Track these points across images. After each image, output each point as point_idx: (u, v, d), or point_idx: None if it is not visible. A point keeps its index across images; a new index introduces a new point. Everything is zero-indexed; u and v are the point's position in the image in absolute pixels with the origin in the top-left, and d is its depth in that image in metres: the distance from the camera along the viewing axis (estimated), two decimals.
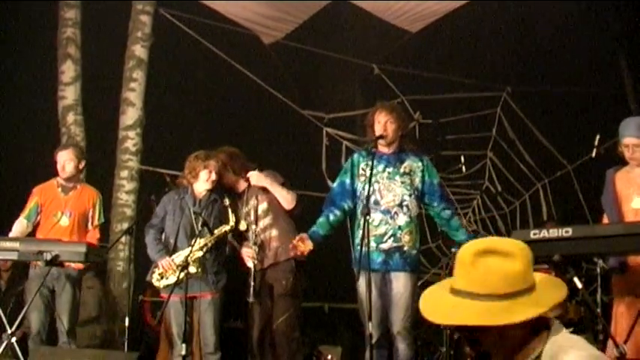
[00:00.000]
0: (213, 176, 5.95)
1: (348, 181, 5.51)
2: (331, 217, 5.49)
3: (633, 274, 4.96)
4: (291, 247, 5.45)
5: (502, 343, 2.20)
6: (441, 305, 2.24)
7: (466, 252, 2.23)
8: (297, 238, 5.42)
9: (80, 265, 6.31)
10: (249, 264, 5.81)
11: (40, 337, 6.19)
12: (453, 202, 5.61)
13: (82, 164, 6.62)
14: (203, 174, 5.94)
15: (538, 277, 2.29)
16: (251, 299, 5.77)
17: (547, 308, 2.17)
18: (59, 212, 6.45)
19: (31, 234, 6.43)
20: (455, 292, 2.23)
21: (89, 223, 6.56)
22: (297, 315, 5.86)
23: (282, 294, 5.82)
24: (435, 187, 5.45)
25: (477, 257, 2.20)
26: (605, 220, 5.17)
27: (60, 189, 6.52)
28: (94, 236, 6.52)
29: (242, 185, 6.10)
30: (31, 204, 6.50)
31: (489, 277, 2.17)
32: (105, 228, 8.61)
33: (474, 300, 2.18)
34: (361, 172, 5.45)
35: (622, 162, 5.20)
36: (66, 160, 6.48)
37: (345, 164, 5.68)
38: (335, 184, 5.64)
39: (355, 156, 5.61)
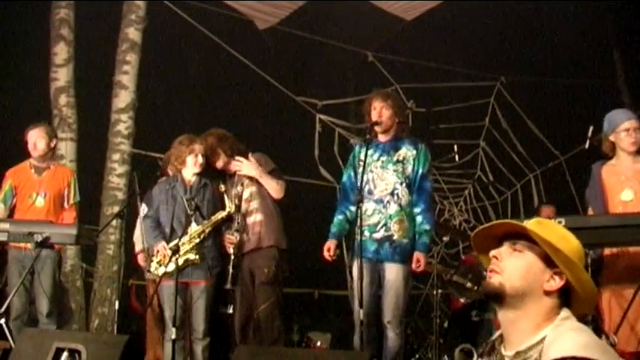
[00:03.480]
0: (200, 159, 5.90)
1: (352, 173, 5.53)
2: (348, 214, 5.49)
3: (620, 264, 4.98)
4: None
5: (526, 277, 2.33)
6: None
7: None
8: (327, 250, 5.41)
9: (59, 246, 6.27)
10: (230, 250, 5.80)
11: (22, 320, 6.13)
12: (429, 198, 5.56)
13: (54, 142, 6.55)
14: (189, 159, 5.88)
15: None
16: (229, 286, 5.76)
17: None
18: (34, 193, 6.38)
19: (9, 217, 6.35)
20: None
21: (65, 202, 6.49)
22: (279, 303, 5.82)
23: (263, 282, 5.80)
24: (417, 177, 5.43)
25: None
26: (591, 212, 5.16)
27: (33, 170, 6.46)
28: (70, 215, 6.45)
29: (233, 167, 6.05)
30: (5, 187, 6.44)
31: (569, 237, 2.37)
32: (96, 211, 8.62)
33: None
34: (359, 162, 5.45)
35: (607, 157, 5.18)
36: (37, 138, 6.41)
37: (349, 157, 5.69)
38: (344, 179, 5.65)
39: (357, 148, 5.62)
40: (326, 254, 5.44)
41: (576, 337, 2.20)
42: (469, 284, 6.79)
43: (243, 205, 5.91)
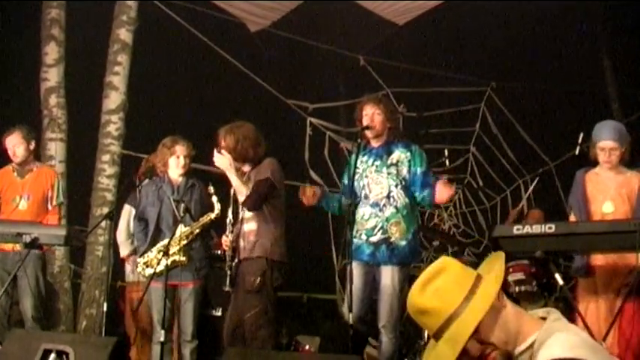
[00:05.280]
0: (182, 160, 5.86)
1: (346, 182, 5.59)
2: (343, 200, 5.58)
3: (599, 274, 5.04)
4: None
5: (503, 328, 2.27)
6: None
7: (411, 305, 2.34)
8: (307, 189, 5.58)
9: (44, 248, 6.22)
10: (227, 252, 5.75)
11: (1, 323, 6.11)
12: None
13: (33, 145, 6.48)
14: (171, 161, 5.87)
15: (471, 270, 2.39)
16: (227, 288, 5.67)
17: (501, 280, 2.29)
18: (17, 196, 6.34)
19: None
20: (437, 338, 2.30)
21: (48, 204, 6.45)
22: (266, 313, 5.53)
23: (249, 291, 5.68)
24: (417, 176, 5.42)
25: (420, 296, 2.30)
26: (573, 218, 5.21)
27: (16, 173, 6.41)
28: (53, 217, 6.42)
29: (246, 168, 5.79)
30: None
31: (444, 295, 2.27)
32: (85, 212, 8.59)
33: (452, 322, 2.25)
34: (355, 170, 5.46)
35: (593, 164, 5.25)
36: (15, 145, 6.34)
37: (346, 165, 5.77)
38: (342, 184, 5.80)
39: (353, 157, 5.62)
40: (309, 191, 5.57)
41: (564, 338, 2.18)
42: None
43: (241, 212, 5.83)
